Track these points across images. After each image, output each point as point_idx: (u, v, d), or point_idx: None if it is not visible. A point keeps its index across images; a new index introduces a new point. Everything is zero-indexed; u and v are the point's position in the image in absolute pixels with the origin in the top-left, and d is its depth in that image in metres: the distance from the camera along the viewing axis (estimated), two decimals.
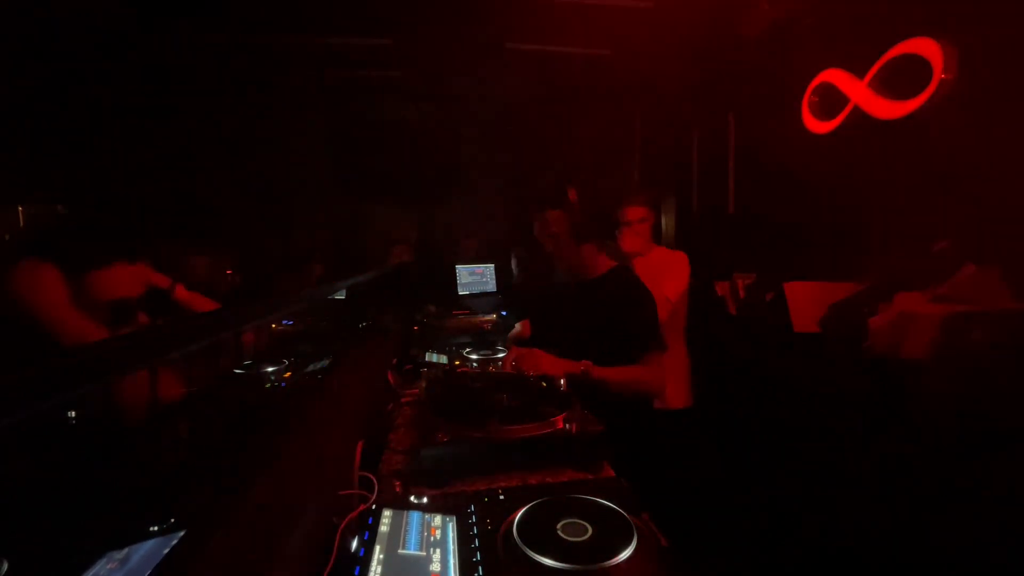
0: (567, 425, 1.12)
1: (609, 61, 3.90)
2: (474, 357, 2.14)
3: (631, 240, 2.38)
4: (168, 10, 3.13)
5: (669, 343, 2.00)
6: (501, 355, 2.14)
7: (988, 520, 1.45)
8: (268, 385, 1.72)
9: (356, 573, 0.71)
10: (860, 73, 2.30)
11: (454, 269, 4.07)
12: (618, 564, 0.74)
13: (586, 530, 0.81)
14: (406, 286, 3.86)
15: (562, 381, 1.39)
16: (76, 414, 1.04)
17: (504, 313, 3.29)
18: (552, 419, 1.15)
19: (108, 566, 0.72)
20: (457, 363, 2.05)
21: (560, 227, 1.70)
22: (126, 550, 0.75)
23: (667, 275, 2.23)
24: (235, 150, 4.77)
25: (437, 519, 0.85)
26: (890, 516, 1.73)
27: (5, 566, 0.72)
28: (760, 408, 2.50)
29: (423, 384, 1.65)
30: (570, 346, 1.64)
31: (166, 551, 0.74)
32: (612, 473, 1.08)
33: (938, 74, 1.92)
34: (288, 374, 1.82)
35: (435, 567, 0.74)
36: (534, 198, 1.80)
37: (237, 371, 1.78)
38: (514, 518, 0.83)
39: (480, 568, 0.74)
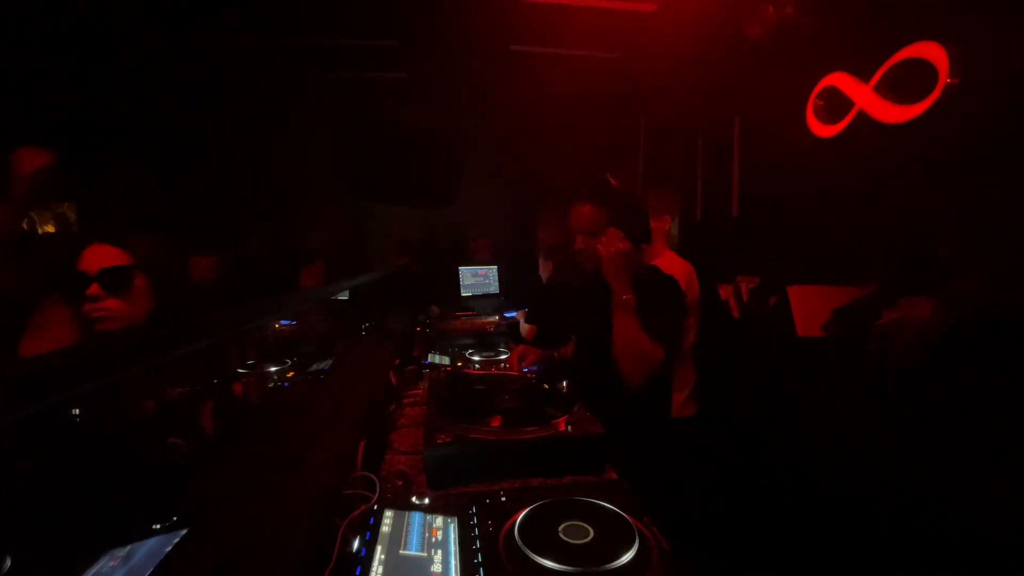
0: (569, 427, 1.12)
1: (614, 64, 3.91)
2: (476, 358, 2.14)
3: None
4: (177, 13, 3.15)
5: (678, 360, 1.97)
6: (504, 356, 2.14)
7: (990, 522, 1.44)
8: (271, 385, 1.73)
9: (357, 573, 0.72)
10: (865, 77, 2.29)
11: (457, 270, 4.07)
12: (620, 567, 0.73)
13: (588, 533, 0.80)
14: (409, 287, 3.87)
15: (563, 383, 1.39)
16: (80, 411, 1.05)
17: (510, 314, 3.29)
18: (554, 421, 1.15)
19: (110, 563, 0.72)
20: (459, 364, 2.05)
21: (597, 222, 1.58)
22: (128, 547, 0.75)
23: None
24: (242, 151, 4.80)
25: (439, 520, 0.85)
26: (894, 519, 1.73)
27: (8, 563, 0.72)
28: (763, 412, 2.49)
29: (425, 385, 1.65)
30: (594, 345, 1.61)
31: (168, 549, 0.74)
32: (614, 475, 1.08)
33: (944, 78, 1.91)
34: (291, 374, 1.83)
35: (436, 568, 0.74)
36: (571, 190, 1.66)
37: (241, 370, 1.78)
38: (515, 520, 0.83)
39: (481, 569, 0.74)
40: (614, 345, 1.54)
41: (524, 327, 2.90)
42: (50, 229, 4.81)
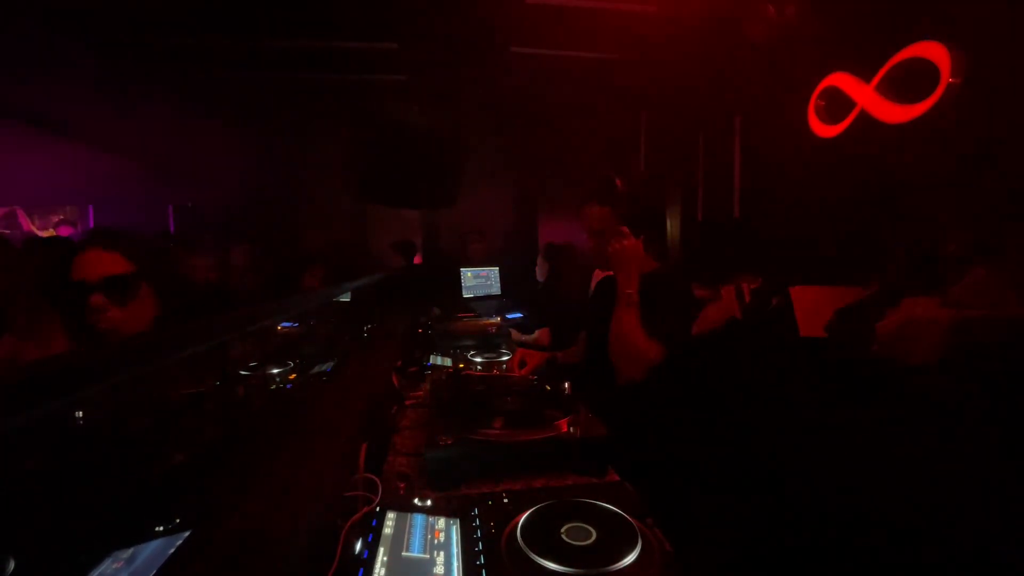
0: (571, 429, 1.12)
1: (615, 65, 3.91)
2: (478, 360, 2.14)
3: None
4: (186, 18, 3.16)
5: None
6: (505, 358, 2.14)
7: (993, 524, 1.44)
8: (274, 387, 1.73)
9: (360, 575, 0.72)
10: (867, 77, 2.29)
11: (459, 271, 4.08)
12: (622, 569, 0.73)
13: (590, 534, 0.80)
14: (411, 288, 3.88)
15: (566, 384, 1.39)
16: (83, 414, 1.05)
17: (519, 315, 3.28)
18: (556, 423, 1.15)
19: (114, 565, 0.72)
20: (461, 366, 2.05)
21: (604, 223, 1.61)
22: (132, 550, 0.75)
23: None
24: (244, 152, 4.81)
25: (441, 522, 0.85)
26: (898, 524, 1.72)
27: (12, 565, 0.73)
28: (767, 413, 2.49)
29: (427, 387, 1.65)
30: (601, 342, 1.62)
31: (171, 551, 0.74)
32: (616, 477, 1.08)
33: (945, 78, 1.91)
34: (293, 376, 1.83)
35: (439, 570, 0.74)
36: (581, 192, 1.69)
37: (243, 372, 1.79)
38: (518, 521, 0.83)
39: (484, 571, 0.74)
40: (610, 340, 1.56)
41: (531, 336, 2.89)
42: (53, 233, 4.82)
